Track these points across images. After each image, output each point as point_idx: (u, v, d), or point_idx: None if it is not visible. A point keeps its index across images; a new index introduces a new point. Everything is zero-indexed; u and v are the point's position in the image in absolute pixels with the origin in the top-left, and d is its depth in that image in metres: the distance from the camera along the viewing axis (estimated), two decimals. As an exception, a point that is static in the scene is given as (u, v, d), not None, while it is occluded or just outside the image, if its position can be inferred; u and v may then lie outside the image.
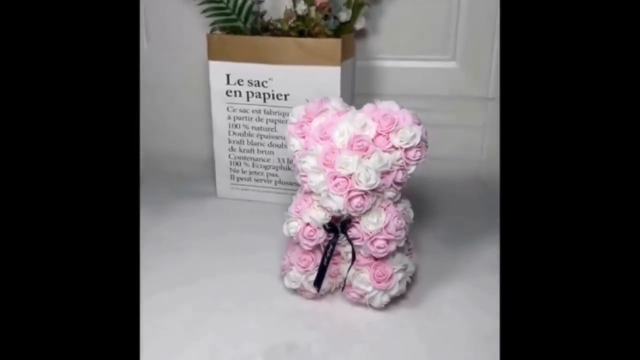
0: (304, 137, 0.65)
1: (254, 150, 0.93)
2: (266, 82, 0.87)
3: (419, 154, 0.61)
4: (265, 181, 0.94)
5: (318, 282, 0.64)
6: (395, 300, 0.66)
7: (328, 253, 0.63)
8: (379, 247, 0.61)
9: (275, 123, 0.90)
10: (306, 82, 0.85)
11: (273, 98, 0.88)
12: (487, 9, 0.98)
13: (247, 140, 0.92)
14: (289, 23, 0.87)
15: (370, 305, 0.64)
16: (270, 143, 0.91)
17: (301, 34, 0.86)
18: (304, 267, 0.65)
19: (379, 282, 0.63)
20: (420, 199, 0.94)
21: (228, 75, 0.89)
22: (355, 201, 0.60)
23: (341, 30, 0.89)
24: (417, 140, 0.61)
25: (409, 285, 0.67)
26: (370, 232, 0.61)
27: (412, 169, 0.62)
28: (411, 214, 0.67)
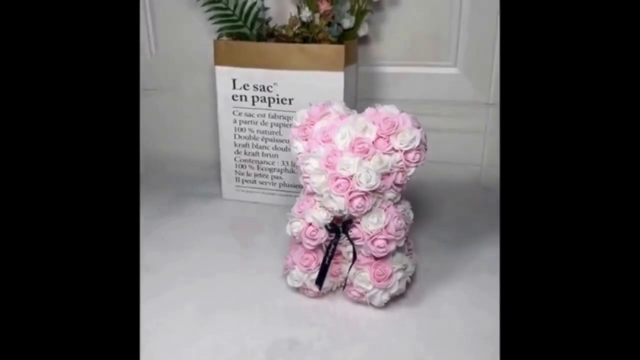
0: (306, 139, 0.67)
1: (258, 154, 0.95)
2: (271, 86, 0.89)
3: (418, 156, 0.63)
4: (269, 184, 0.96)
5: (320, 281, 0.66)
6: (395, 299, 0.67)
7: (330, 253, 0.65)
8: (379, 247, 0.63)
9: (280, 127, 0.91)
10: (310, 87, 0.86)
11: (278, 102, 0.90)
12: (488, 15, 1.00)
13: (252, 144, 0.94)
14: (294, 29, 0.89)
15: (371, 304, 0.66)
16: (275, 146, 0.93)
17: (305, 40, 0.88)
18: (306, 266, 0.66)
19: (379, 281, 0.64)
20: (421, 201, 0.95)
21: (234, 80, 0.91)
22: (356, 202, 0.61)
23: (344, 37, 0.91)
24: (416, 143, 0.62)
25: (409, 285, 0.69)
26: (371, 232, 0.63)
27: (411, 170, 0.64)
28: (411, 215, 0.68)
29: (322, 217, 0.64)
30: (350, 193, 0.61)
